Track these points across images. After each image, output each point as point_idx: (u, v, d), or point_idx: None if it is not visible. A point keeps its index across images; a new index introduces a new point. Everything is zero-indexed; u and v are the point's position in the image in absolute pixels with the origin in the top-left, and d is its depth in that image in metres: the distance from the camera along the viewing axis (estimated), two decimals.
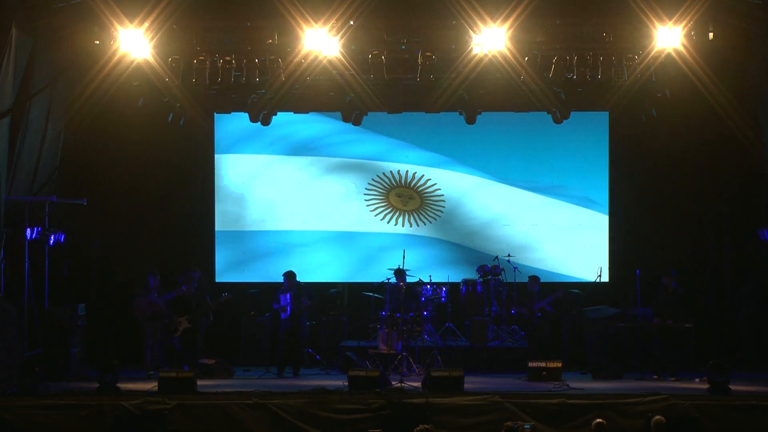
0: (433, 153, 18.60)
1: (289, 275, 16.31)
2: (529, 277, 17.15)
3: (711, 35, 15.34)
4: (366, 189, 18.58)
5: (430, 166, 18.56)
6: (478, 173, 18.53)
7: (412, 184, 18.58)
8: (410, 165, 18.59)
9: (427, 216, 18.50)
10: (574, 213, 18.40)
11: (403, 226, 18.53)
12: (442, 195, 18.53)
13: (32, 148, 15.55)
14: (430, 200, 18.53)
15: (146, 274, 16.38)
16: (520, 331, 17.29)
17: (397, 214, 18.54)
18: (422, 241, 18.38)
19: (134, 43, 15.38)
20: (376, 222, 18.53)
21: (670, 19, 15.08)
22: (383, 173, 18.58)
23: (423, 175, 18.53)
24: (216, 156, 18.60)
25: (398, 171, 18.59)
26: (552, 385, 14.72)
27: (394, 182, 18.59)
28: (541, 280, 17.37)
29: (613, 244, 18.28)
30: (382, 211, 18.55)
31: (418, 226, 18.48)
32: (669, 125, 17.78)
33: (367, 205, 18.56)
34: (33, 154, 15.62)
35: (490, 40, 15.33)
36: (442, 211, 18.52)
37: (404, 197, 18.54)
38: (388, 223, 18.54)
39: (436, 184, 18.53)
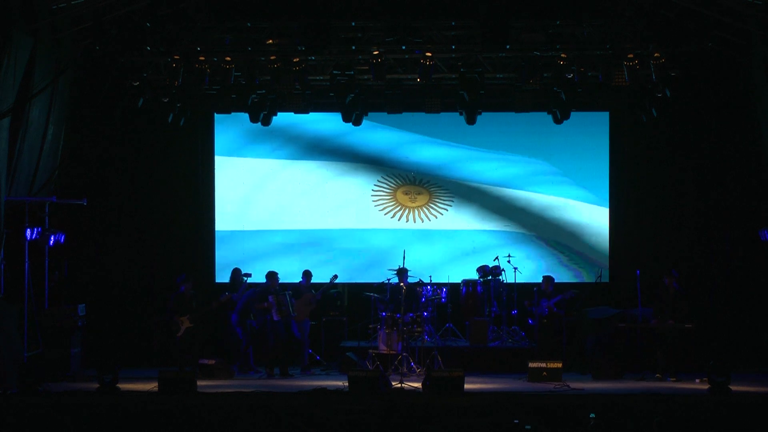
0: (432, 154, 18.63)
1: (273, 276, 16.37)
2: (543, 277, 17.12)
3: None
4: (373, 188, 18.64)
5: (429, 168, 18.58)
6: (478, 174, 18.54)
7: (418, 182, 18.67)
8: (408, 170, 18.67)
9: (437, 209, 18.56)
10: (575, 213, 18.41)
11: (415, 222, 18.66)
12: (451, 192, 18.65)
13: (32, 148, 15.54)
14: (438, 195, 18.64)
15: (176, 279, 16.33)
16: (520, 332, 17.30)
17: (406, 211, 18.62)
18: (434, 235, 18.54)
19: (134, 44, 15.41)
20: (380, 217, 18.67)
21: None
22: (387, 175, 18.65)
23: (422, 178, 18.65)
24: (217, 157, 18.61)
25: (399, 175, 18.68)
26: (552, 386, 14.73)
27: (400, 181, 18.68)
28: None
29: (614, 244, 18.29)
30: (391, 210, 18.64)
31: (425, 221, 18.57)
32: (669, 125, 17.81)
33: (375, 204, 18.66)
34: (33, 154, 15.62)
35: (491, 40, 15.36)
36: (451, 204, 18.61)
37: (412, 194, 18.60)
38: (399, 220, 18.67)
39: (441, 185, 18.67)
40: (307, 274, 16.76)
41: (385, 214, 18.65)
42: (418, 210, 18.63)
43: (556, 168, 18.44)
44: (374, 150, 18.71)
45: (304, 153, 18.68)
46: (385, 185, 18.67)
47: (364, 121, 17.64)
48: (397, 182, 18.69)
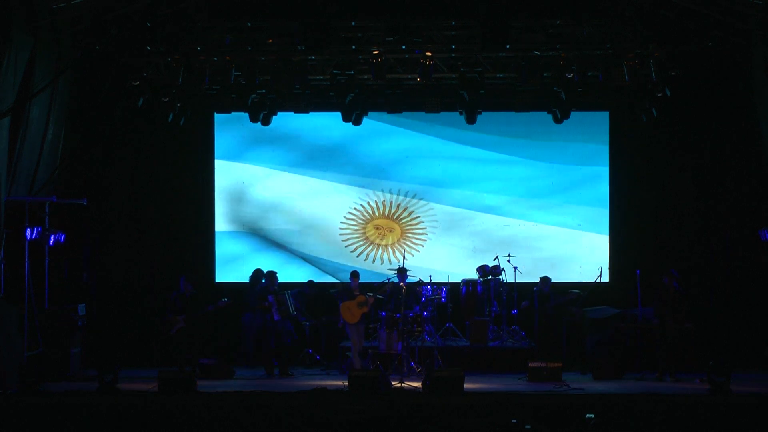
0: (431, 155, 18.65)
1: (272, 275, 16.37)
2: (540, 278, 17.14)
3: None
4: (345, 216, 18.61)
5: (416, 189, 18.60)
6: (477, 173, 18.54)
7: (395, 216, 18.58)
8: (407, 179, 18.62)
9: (407, 248, 18.41)
10: (575, 213, 18.42)
11: (381, 263, 18.54)
12: (425, 228, 18.54)
13: (32, 148, 15.53)
14: (412, 233, 18.55)
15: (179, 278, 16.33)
16: (520, 331, 17.30)
17: (371, 248, 18.59)
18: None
19: (134, 44, 15.43)
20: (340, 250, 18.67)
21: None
22: (366, 202, 18.57)
23: (406, 207, 18.55)
24: (216, 158, 18.61)
25: (383, 201, 18.57)
26: (552, 385, 14.73)
27: (377, 212, 18.57)
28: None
29: (613, 244, 18.29)
30: (354, 242, 18.60)
31: (389, 263, 18.38)
32: (669, 125, 17.82)
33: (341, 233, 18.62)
34: (33, 153, 15.61)
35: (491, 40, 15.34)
36: (422, 245, 18.55)
37: (383, 229, 18.50)
38: (364, 260, 18.59)
39: (419, 217, 18.54)
40: (355, 275, 16.45)
41: (346, 245, 18.62)
42: (383, 249, 18.58)
43: (556, 168, 18.44)
44: (368, 164, 18.62)
45: (302, 159, 18.67)
46: (359, 214, 18.58)
47: (366, 126, 17.64)
48: (372, 213, 18.55)
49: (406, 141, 18.63)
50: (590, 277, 17.29)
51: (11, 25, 14.30)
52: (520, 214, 18.49)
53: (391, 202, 18.59)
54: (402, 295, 15.93)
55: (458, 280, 17.81)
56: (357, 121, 17.24)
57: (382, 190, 18.59)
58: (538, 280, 17.29)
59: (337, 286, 18.23)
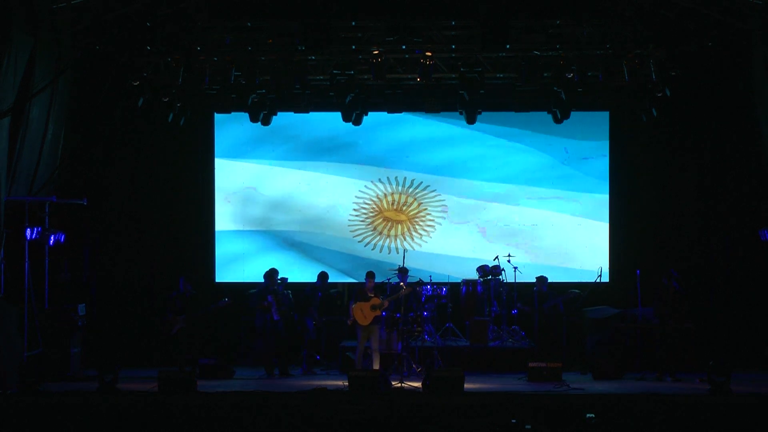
0: (437, 143, 18.64)
1: (271, 274, 16.36)
2: (537, 278, 17.15)
3: None
4: (353, 208, 18.60)
5: (428, 171, 18.58)
6: (477, 172, 18.54)
7: (403, 207, 18.59)
8: (408, 172, 18.59)
9: (412, 242, 18.42)
10: (575, 213, 18.41)
11: (389, 252, 18.52)
12: (433, 220, 18.54)
13: (32, 148, 15.53)
14: (419, 224, 18.55)
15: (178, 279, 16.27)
16: (520, 331, 17.30)
17: (377, 239, 18.57)
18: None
19: (134, 44, 15.44)
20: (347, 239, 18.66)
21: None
22: (376, 195, 18.55)
23: (415, 198, 18.53)
24: (217, 158, 18.60)
25: (391, 193, 18.57)
26: (552, 385, 14.73)
27: (386, 204, 18.56)
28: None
29: (613, 244, 18.28)
30: (362, 233, 18.59)
31: (397, 252, 18.31)
32: (669, 125, 17.82)
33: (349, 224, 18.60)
34: (33, 153, 15.61)
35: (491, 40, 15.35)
36: (429, 236, 18.52)
37: (391, 222, 18.50)
38: (372, 249, 18.59)
39: (427, 208, 18.52)
40: (371, 275, 16.07)
41: (354, 236, 18.58)
42: (392, 239, 18.56)
43: (556, 168, 18.44)
44: (372, 156, 18.60)
45: (301, 156, 18.64)
46: (367, 207, 18.57)
47: (371, 117, 17.62)
48: (380, 205, 18.52)
49: (411, 130, 18.58)
50: (590, 275, 17.29)
51: (11, 25, 14.31)
52: (520, 214, 18.48)
53: (400, 193, 18.58)
54: (402, 295, 15.92)
55: (461, 276, 17.79)
56: (357, 121, 17.22)
57: (389, 182, 18.57)
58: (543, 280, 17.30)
59: (337, 286, 18.27)
